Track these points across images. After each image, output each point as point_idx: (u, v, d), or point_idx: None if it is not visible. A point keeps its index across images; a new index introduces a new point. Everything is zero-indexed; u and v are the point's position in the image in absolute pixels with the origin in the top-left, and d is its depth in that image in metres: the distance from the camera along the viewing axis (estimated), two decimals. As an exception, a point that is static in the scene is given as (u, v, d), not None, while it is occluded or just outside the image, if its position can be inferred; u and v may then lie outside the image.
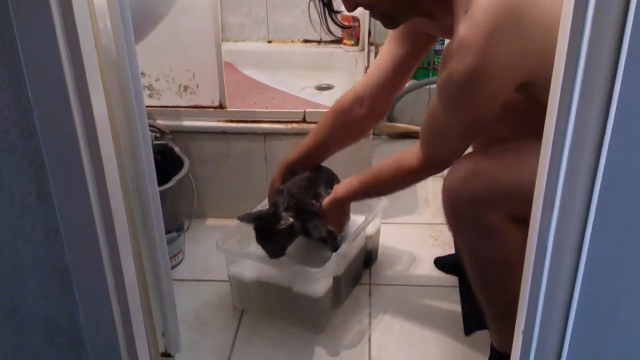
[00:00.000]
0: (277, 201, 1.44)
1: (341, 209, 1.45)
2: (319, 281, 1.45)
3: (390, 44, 1.41)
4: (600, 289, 0.81)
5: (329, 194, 1.48)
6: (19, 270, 0.91)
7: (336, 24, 1.24)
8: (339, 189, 1.43)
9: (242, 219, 1.45)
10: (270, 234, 1.40)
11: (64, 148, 0.86)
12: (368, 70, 1.61)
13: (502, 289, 0.99)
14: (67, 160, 0.86)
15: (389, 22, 1.22)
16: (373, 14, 1.19)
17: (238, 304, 1.59)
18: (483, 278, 1.15)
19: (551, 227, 0.80)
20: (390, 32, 1.41)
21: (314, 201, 1.45)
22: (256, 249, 1.48)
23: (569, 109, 0.74)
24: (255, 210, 1.49)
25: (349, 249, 1.52)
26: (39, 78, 0.81)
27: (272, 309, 1.55)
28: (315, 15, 1.25)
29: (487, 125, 1.12)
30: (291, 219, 1.38)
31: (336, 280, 1.51)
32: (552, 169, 0.78)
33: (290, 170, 1.52)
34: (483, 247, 1.10)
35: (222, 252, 1.55)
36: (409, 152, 1.24)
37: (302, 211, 1.43)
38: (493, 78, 1.02)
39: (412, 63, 1.42)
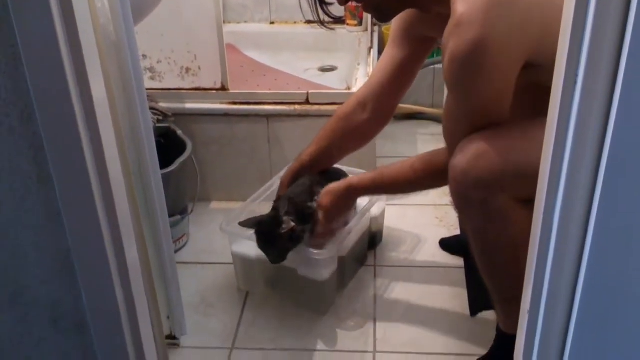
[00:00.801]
0: (278, 206, 1.42)
1: (347, 199, 1.42)
2: (323, 264, 1.44)
3: (390, 47, 1.41)
4: (607, 268, 0.80)
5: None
6: (21, 255, 0.91)
7: (327, 14, 1.23)
8: (352, 178, 1.40)
9: (243, 224, 1.43)
10: (272, 239, 1.38)
11: (63, 131, 0.85)
12: (370, 75, 1.59)
13: (508, 271, 0.98)
14: (66, 143, 0.85)
15: (380, 16, 1.23)
16: (365, 8, 1.19)
17: (243, 286, 1.59)
18: (490, 260, 1.14)
19: (557, 206, 0.79)
20: (390, 36, 1.41)
21: (311, 203, 1.44)
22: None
23: (574, 85, 0.73)
24: (256, 215, 1.46)
25: (354, 229, 1.52)
26: (36, 59, 0.80)
27: (276, 290, 1.55)
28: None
29: (505, 114, 1.08)
30: (292, 223, 1.36)
31: (341, 262, 1.51)
32: (557, 148, 0.76)
33: (295, 178, 1.51)
34: (490, 228, 1.09)
35: (227, 235, 1.54)
36: (438, 150, 1.23)
37: (302, 214, 1.40)
38: (496, 52, 1.00)
39: (413, 67, 1.41)
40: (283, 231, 1.35)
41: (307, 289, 1.48)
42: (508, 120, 1.09)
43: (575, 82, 0.73)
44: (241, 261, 1.56)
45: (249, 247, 1.53)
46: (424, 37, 1.34)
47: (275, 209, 1.42)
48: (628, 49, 0.67)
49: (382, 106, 1.45)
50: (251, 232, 1.49)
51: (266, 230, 1.39)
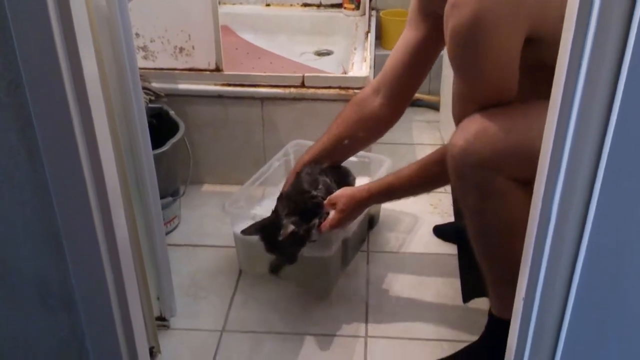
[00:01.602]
0: (278, 207, 1.37)
1: (363, 205, 1.38)
2: (327, 242, 1.42)
3: (406, 30, 1.36)
4: (606, 256, 0.79)
5: (335, 181, 1.41)
6: (9, 231, 0.89)
7: None
8: (370, 184, 1.35)
9: (245, 232, 1.38)
10: (276, 244, 1.33)
11: (52, 106, 0.82)
12: (377, 57, 1.55)
13: (504, 254, 0.96)
14: (56, 119, 0.83)
15: None
16: None
17: (245, 267, 1.58)
18: (485, 242, 1.13)
19: (556, 191, 0.78)
20: (407, 19, 1.36)
21: (313, 193, 1.37)
22: (263, 210, 1.46)
23: (579, 67, 0.72)
24: (256, 220, 1.40)
25: None
26: (26, 31, 0.78)
27: (280, 272, 1.52)
28: None
29: (513, 90, 1.06)
30: (292, 227, 1.30)
31: (344, 242, 1.49)
32: (559, 131, 0.75)
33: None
34: (487, 210, 1.08)
35: (223, 217, 1.53)
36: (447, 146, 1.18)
37: (306, 210, 1.35)
38: (495, 26, 0.99)
39: (429, 48, 1.34)
40: (281, 238, 1.30)
41: (312, 268, 1.47)
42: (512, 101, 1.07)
43: (580, 66, 0.71)
44: (243, 243, 1.54)
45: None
46: (439, 15, 1.30)
47: (274, 210, 1.37)
48: (635, 34, 0.66)
49: (396, 91, 1.39)
50: (254, 213, 1.47)
51: (270, 236, 1.34)
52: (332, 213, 1.36)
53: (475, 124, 1.05)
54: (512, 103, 1.07)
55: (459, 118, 1.12)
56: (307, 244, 1.35)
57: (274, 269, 1.41)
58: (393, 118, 1.44)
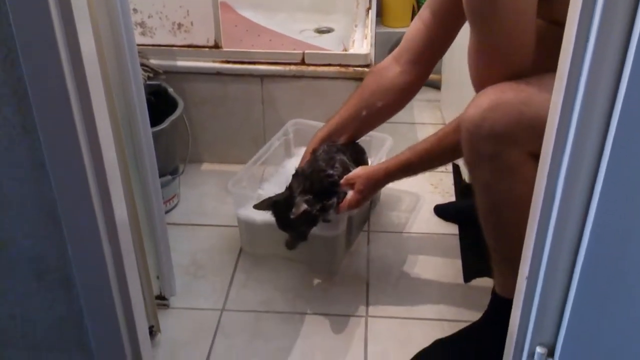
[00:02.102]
0: (292, 184, 1.33)
1: (380, 185, 1.35)
2: (334, 222, 1.41)
3: None
4: (611, 233, 0.78)
5: (352, 160, 1.39)
6: (5, 206, 0.88)
7: None
8: (387, 162, 1.31)
9: (258, 206, 1.36)
10: (288, 221, 1.30)
11: (49, 82, 0.81)
12: (377, 35, 1.49)
13: (514, 230, 0.94)
14: (53, 96, 0.81)
15: None
16: None
17: (248, 247, 1.57)
18: (495, 218, 1.11)
19: (562, 167, 0.76)
20: None
21: (330, 172, 1.34)
22: (267, 191, 1.45)
23: (586, 42, 0.70)
24: (270, 196, 1.37)
25: None
26: (22, 8, 0.76)
27: (284, 251, 1.52)
28: None
29: (528, 58, 1.02)
30: (304, 206, 1.26)
31: (349, 222, 1.48)
32: (566, 103, 0.73)
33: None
34: (500, 184, 1.05)
35: (223, 196, 1.52)
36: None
37: (321, 189, 1.32)
38: None
39: (454, 9, 1.24)
40: (292, 216, 1.27)
41: (319, 247, 1.46)
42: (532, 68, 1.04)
43: (587, 40, 0.70)
44: (246, 224, 1.53)
45: (255, 210, 1.50)
46: None
47: (288, 187, 1.34)
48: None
49: (418, 57, 1.32)
50: (259, 193, 1.45)
51: (282, 212, 1.31)
52: (349, 193, 1.33)
53: (489, 96, 1.03)
54: (528, 75, 1.04)
55: (475, 80, 1.09)
56: (321, 222, 1.33)
57: (290, 245, 1.37)
58: (414, 86, 1.38)
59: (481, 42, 1.07)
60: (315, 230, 1.37)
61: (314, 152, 1.40)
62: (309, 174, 1.34)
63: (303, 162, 1.42)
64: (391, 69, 1.36)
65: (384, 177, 1.32)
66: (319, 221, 1.32)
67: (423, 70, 1.37)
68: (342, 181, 1.34)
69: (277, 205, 1.33)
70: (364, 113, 1.39)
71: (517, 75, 1.05)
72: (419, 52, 1.33)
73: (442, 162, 1.31)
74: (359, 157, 1.46)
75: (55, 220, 0.88)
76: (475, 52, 1.10)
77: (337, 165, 1.35)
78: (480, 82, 1.09)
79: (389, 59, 1.38)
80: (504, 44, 1.05)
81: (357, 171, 1.34)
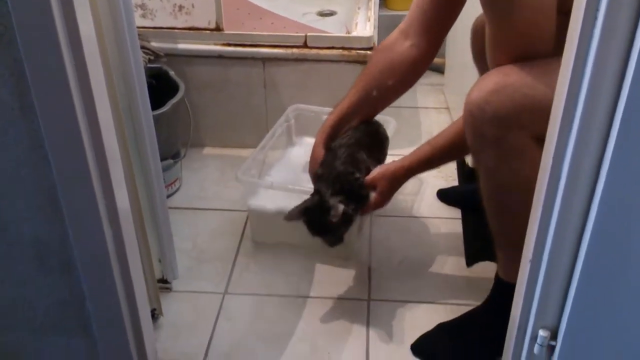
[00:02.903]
0: (320, 188, 1.27)
1: (402, 182, 1.31)
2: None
3: None
4: (617, 216, 0.77)
5: (376, 158, 1.34)
6: (4, 189, 0.87)
7: None
8: (407, 160, 1.27)
9: (289, 217, 1.29)
10: (324, 226, 1.26)
11: (47, 65, 0.79)
12: (379, 16, 1.44)
13: (518, 214, 0.93)
14: (51, 78, 0.80)
15: None
16: None
17: (258, 237, 1.56)
18: (500, 201, 1.10)
19: (568, 149, 0.75)
20: None
21: (357, 175, 1.29)
22: (278, 178, 1.45)
23: (594, 21, 0.68)
24: (298, 204, 1.31)
25: None
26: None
27: (296, 239, 1.50)
28: None
29: (547, 46, 0.99)
30: (342, 206, 1.22)
31: None
32: (572, 85, 0.72)
33: (334, 133, 1.35)
34: (504, 168, 1.04)
35: (225, 180, 1.52)
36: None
37: (352, 191, 1.27)
38: None
39: None
40: (334, 219, 1.22)
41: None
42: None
43: (595, 18, 0.68)
44: (257, 215, 1.52)
45: (265, 199, 1.50)
46: None
47: (317, 192, 1.28)
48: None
49: (428, 27, 1.27)
50: (269, 182, 1.43)
51: (315, 217, 1.26)
52: (372, 195, 1.30)
53: (493, 79, 1.01)
54: (531, 60, 1.02)
55: (491, 65, 1.06)
56: (350, 226, 1.30)
57: (332, 244, 1.33)
58: (426, 58, 1.31)
59: (494, 33, 1.04)
60: None
61: (329, 147, 1.34)
62: (336, 175, 1.28)
63: (316, 152, 1.35)
64: (400, 43, 1.30)
65: (404, 175, 1.28)
66: (353, 220, 1.28)
67: (434, 40, 1.30)
68: (365, 182, 1.30)
69: (310, 211, 1.27)
70: (374, 93, 1.33)
71: (531, 50, 1.01)
72: (429, 21, 1.27)
73: (462, 155, 1.28)
74: (375, 141, 1.40)
75: (55, 203, 0.87)
76: (488, 40, 1.06)
77: (360, 166, 1.31)
78: (494, 67, 1.06)
79: (395, 33, 1.32)
80: (515, 40, 1.02)
81: (379, 172, 1.29)
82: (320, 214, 1.24)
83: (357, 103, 1.34)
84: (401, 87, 1.36)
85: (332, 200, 1.23)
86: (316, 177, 1.31)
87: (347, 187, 1.27)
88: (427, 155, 1.24)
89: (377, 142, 1.40)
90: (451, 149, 1.21)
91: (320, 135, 1.36)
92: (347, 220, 1.26)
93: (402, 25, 1.32)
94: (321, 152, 1.34)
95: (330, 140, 1.35)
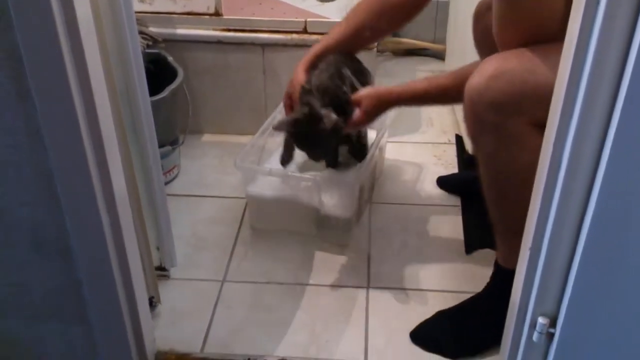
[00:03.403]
0: (309, 100, 1.26)
1: (389, 107, 1.31)
2: (346, 198, 1.41)
3: None
4: (617, 204, 0.77)
5: (361, 83, 1.34)
6: (1, 174, 0.87)
7: None
8: (400, 87, 1.29)
9: (277, 127, 1.29)
10: (315, 138, 1.25)
11: (43, 49, 0.79)
12: None
13: (517, 201, 0.93)
14: (47, 61, 0.80)
15: None
16: None
17: (256, 224, 1.55)
18: (499, 188, 1.09)
19: (568, 136, 0.75)
20: None
21: (344, 89, 1.29)
22: (276, 165, 1.43)
23: (597, 5, 0.68)
24: (285, 117, 1.32)
25: (369, 160, 1.48)
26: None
27: (294, 226, 1.51)
28: None
29: (554, 20, 0.97)
30: (334, 115, 1.21)
31: (359, 193, 1.46)
32: (573, 72, 0.72)
33: (316, 61, 1.36)
34: (504, 154, 1.04)
35: (223, 167, 1.51)
36: (476, 63, 1.13)
37: (340, 104, 1.27)
38: None
39: None
40: (328, 126, 1.20)
41: (330, 222, 1.46)
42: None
43: (598, 3, 0.67)
44: (255, 201, 1.52)
45: (264, 186, 1.49)
46: None
47: (306, 103, 1.26)
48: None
49: None
50: (268, 169, 1.43)
51: (305, 129, 1.25)
52: (356, 111, 1.30)
53: (493, 64, 1.00)
54: (532, 45, 1.01)
55: (498, 43, 1.06)
56: (340, 141, 1.30)
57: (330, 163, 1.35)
58: (418, 7, 1.34)
59: (508, 13, 1.03)
60: (330, 209, 1.38)
61: (315, 65, 1.34)
62: (324, 89, 1.28)
63: (297, 76, 1.36)
64: None
65: (394, 101, 1.29)
66: (342, 135, 1.28)
67: None
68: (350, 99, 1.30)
69: (299, 123, 1.25)
70: (367, 34, 1.36)
71: (538, 32, 1.01)
72: None
73: (455, 102, 1.27)
74: (364, 78, 1.41)
75: (52, 189, 0.87)
76: (497, 16, 1.05)
77: (346, 82, 1.31)
78: (501, 44, 1.06)
79: None
80: (534, 16, 1.01)
81: (367, 91, 1.31)
82: (310, 125, 1.23)
83: (346, 40, 1.36)
84: (395, 27, 1.43)
85: (325, 111, 1.23)
86: (302, 92, 1.31)
87: (335, 101, 1.27)
88: (423, 90, 1.25)
89: (361, 69, 1.41)
90: (447, 93, 1.22)
91: (303, 61, 1.38)
92: (338, 132, 1.25)
93: None
94: (302, 75, 1.35)
95: (313, 67, 1.36)
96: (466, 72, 1.13)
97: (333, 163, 1.36)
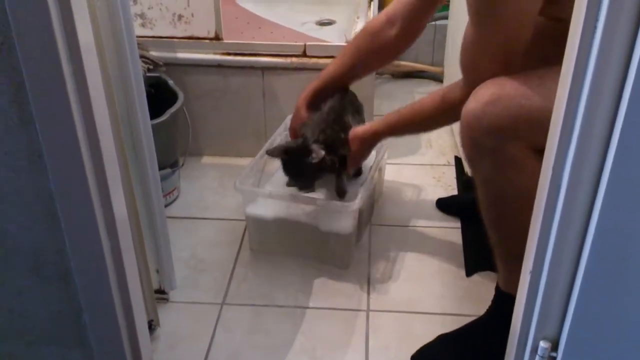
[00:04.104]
0: (305, 133, 1.40)
1: (373, 144, 1.44)
2: (346, 218, 1.43)
3: None
4: (617, 228, 0.76)
5: (357, 121, 1.45)
6: (1, 198, 0.87)
7: None
8: (376, 124, 1.40)
9: (271, 153, 1.41)
10: (300, 168, 1.37)
11: (46, 73, 0.79)
12: None
13: (516, 225, 0.94)
14: (49, 86, 0.80)
15: None
16: None
17: (255, 246, 1.55)
18: (497, 212, 1.10)
19: (567, 160, 0.75)
20: None
21: (342, 134, 1.42)
22: (276, 187, 1.46)
23: (594, 31, 0.68)
24: (282, 142, 1.46)
25: (369, 183, 1.50)
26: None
27: (294, 248, 1.52)
28: None
29: (522, 48, 1.05)
30: (322, 152, 1.34)
31: (359, 215, 1.47)
32: (572, 96, 0.72)
33: (316, 96, 1.47)
34: (500, 178, 1.05)
35: (223, 190, 1.52)
36: (454, 84, 1.20)
37: (331, 145, 1.39)
38: None
39: None
40: (313, 161, 1.33)
41: (329, 244, 1.46)
42: (526, 67, 1.04)
43: (595, 28, 0.68)
44: (255, 222, 1.52)
45: (264, 207, 1.49)
46: None
47: (303, 137, 1.39)
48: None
49: (412, 24, 1.40)
50: (268, 191, 1.45)
51: (295, 159, 1.37)
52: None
53: (489, 89, 1.02)
54: (529, 69, 1.03)
55: (469, 68, 1.12)
56: (323, 176, 1.42)
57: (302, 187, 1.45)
58: (405, 48, 1.47)
59: (479, 33, 1.08)
60: (329, 227, 1.41)
61: (316, 98, 1.45)
62: (322, 129, 1.40)
63: (300, 112, 1.47)
64: (387, 32, 1.41)
65: (372, 138, 1.40)
66: (327, 172, 1.40)
67: (415, 34, 1.43)
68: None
69: (290, 151, 1.38)
70: (359, 69, 1.49)
71: (508, 66, 1.07)
72: (413, 19, 1.39)
73: (425, 130, 1.42)
74: (359, 116, 1.52)
75: (52, 213, 0.86)
76: (469, 42, 1.11)
77: (345, 126, 1.43)
78: (471, 69, 1.12)
79: (382, 18, 1.43)
80: (502, 40, 1.06)
81: (351, 134, 1.42)
82: (300, 155, 1.36)
83: (341, 76, 1.47)
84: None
85: (315, 146, 1.35)
86: (303, 127, 1.44)
87: (330, 141, 1.39)
88: (393, 121, 1.35)
89: (357, 106, 1.53)
90: (413, 123, 1.32)
91: (303, 96, 1.49)
92: (322, 168, 1.37)
93: (389, 11, 1.42)
94: (304, 112, 1.47)
95: (312, 103, 1.47)
96: (445, 94, 1.22)
97: (305, 189, 1.45)
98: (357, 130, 1.42)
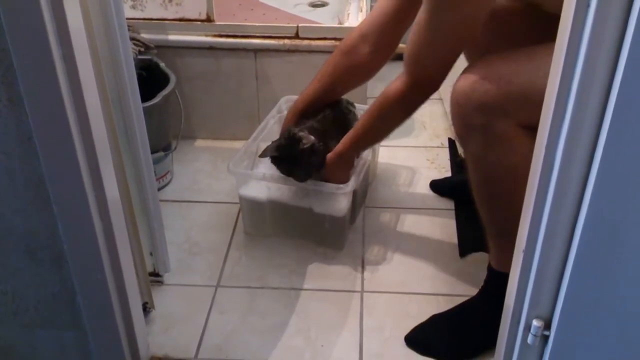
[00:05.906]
0: (289, 127, 1.41)
1: (345, 164, 1.42)
2: (339, 200, 1.43)
3: None
4: (610, 205, 0.77)
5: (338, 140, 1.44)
6: (-8, 181, 0.86)
7: None
8: (339, 146, 1.39)
9: (263, 154, 1.42)
10: (294, 159, 1.36)
11: (35, 55, 0.79)
12: (373, 7, 1.54)
13: (507, 203, 0.94)
14: (38, 67, 0.79)
15: None
16: None
17: (249, 228, 1.55)
18: (488, 190, 1.10)
19: (561, 137, 0.75)
20: None
21: (320, 144, 1.40)
22: (270, 170, 1.45)
23: (587, 9, 0.68)
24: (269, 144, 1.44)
25: (363, 165, 1.50)
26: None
27: (288, 230, 1.52)
28: None
29: (476, 35, 1.07)
30: (312, 137, 1.35)
31: (353, 197, 1.47)
32: (565, 73, 0.72)
33: (301, 118, 1.47)
34: (491, 156, 1.05)
35: (217, 173, 1.52)
36: (393, 82, 1.22)
37: (318, 133, 1.39)
38: None
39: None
40: (305, 146, 1.34)
41: (323, 226, 1.46)
42: (508, 46, 1.04)
43: (588, 6, 0.68)
44: (249, 204, 1.51)
45: (257, 190, 1.49)
46: None
47: (288, 130, 1.40)
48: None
49: (385, 38, 1.39)
50: (262, 174, 1.45)
51: (287, 152, 1.37)
52: None
53: (479, 68, 1.02)
54: (516, 47, 1.03)
55: (408, 52, 1.16)
56: (318, 162, 1.39)
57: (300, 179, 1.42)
58: (382, 63, 1.46)
59: (422, 25, 1.11)
60: (323, 209, 1.41)
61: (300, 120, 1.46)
62: (309, 125, 1.41)
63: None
64: (361, 49, 1.40)
65: (338, 160, 1.40)
66: (321, 157, 1.39)
67: (389, 50, 1.43)
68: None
69: (281, 147, 1.38)
70: (338, 89, 1.49)
71: (451, 66, 1.14)
72: (386, 36, 1.39)
73: (384, 133, 1.38)
74: (343, 119, 1.52)
75: (44, 196, 0.86)
76: (414, 29, 1.14)
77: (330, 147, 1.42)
78: (414, 61, 1.16)
79: (355, 37, 1.42)
80: (441, 37, 1.10)
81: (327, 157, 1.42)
82: (291, 147, 1.36)
83: (322, 96, 1.47)
84: (358, 84, 1.55)
85: (303, 134, 1.36)
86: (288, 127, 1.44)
87: (316, 130, 1.40)
88: (351, 136, 1.37)
89: (348, 120, 1.52)
90: (365, 126, 1.33)
91: (291, 113, 1.49)
92: (315, 152, 1.36)
93: (363, 28, 1.42)
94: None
95: (297, 125, 1.45)
96: (385, 89, 1.25)
97: (304, 179, 1.42)
98: (327, 157, 1.41)
